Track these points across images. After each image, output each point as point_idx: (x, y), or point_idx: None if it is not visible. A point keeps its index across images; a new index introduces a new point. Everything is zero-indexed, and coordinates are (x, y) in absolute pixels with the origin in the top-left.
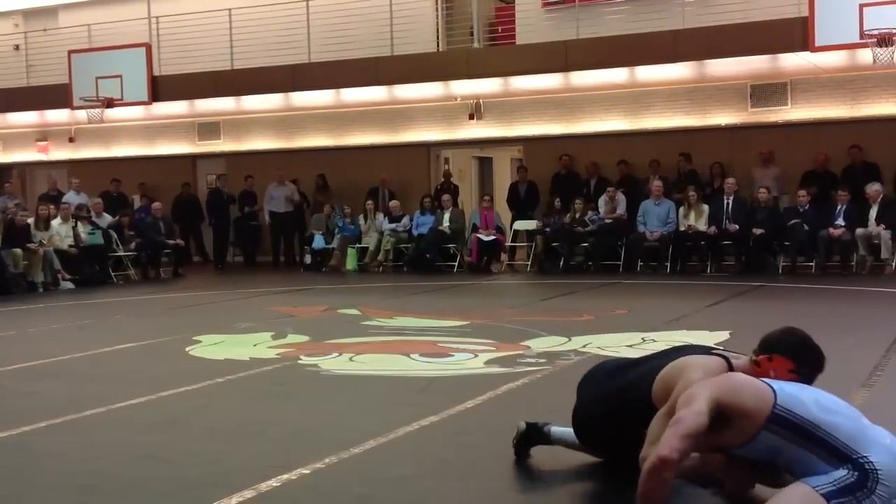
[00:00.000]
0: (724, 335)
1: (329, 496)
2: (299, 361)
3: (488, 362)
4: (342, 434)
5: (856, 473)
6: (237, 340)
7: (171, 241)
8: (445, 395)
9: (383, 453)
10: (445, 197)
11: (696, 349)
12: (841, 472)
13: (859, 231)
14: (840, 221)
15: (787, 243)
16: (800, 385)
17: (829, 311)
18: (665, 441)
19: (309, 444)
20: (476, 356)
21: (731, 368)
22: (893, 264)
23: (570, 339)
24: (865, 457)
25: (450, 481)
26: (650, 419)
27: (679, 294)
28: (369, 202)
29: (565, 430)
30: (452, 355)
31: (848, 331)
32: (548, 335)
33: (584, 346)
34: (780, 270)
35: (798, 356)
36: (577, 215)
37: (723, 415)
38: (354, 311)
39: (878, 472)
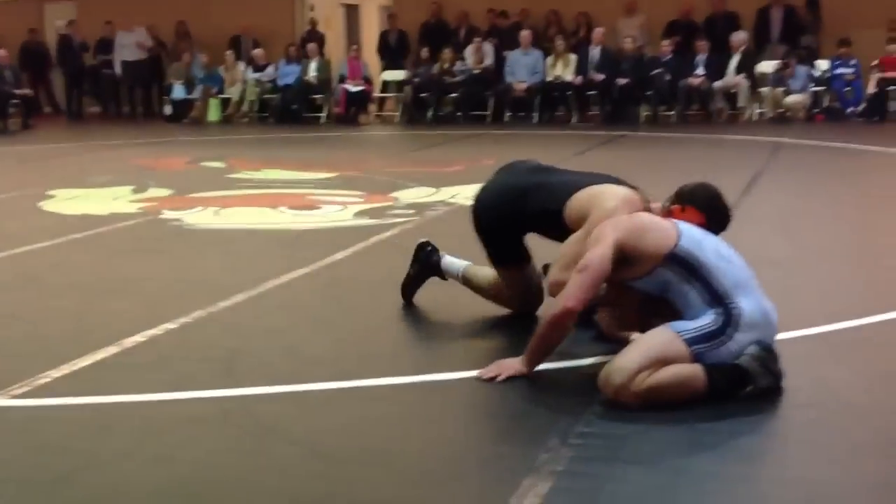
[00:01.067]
0: None
1: (198, 349)
2: (162, 216)
3: (357, 214)
4: (209, 288)
5: (721, 319)
6: (95, 195)
7: (19, 91)
8: (315, 247)
9: (252, 306)
10: (311, 46)
11: (621, 181)
12: (707, 319)
13: (717, 83)
14: (700, 71)
15: (649, 93)
16: (706, 232)
17: (688, 157)
18: (571, 291)
19: (175, 300)
20: (345, 208)
21: (646, 209)
22: (749, 113)
23: (438, 190)
24: (735, 302)
25: (320, 332)
26: (552, 231)
27: (546, 143)
28: (229, 52)
29: (455, 262)
30: (321, 208)
31: (705, 176)
32: (417, 186)
33: (453, 197)
34: (643, 119)
35: (710, 211)
36: (446, 66)
37: (626, 255)
38: (219, 164)
39: (742, 317)
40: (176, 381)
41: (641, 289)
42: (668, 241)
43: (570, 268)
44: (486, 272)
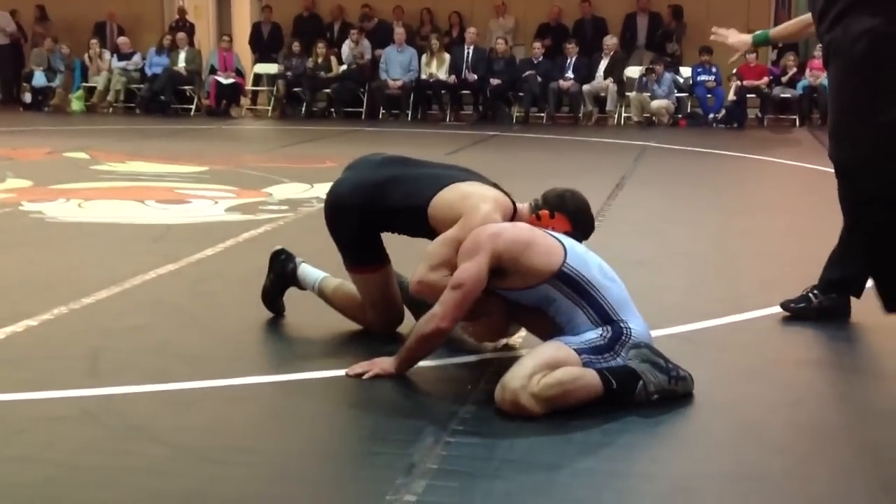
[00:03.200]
0: None
1: (60, 348)
2: (21, 208)
3: (229, 209)
4: (73, 284)
5: (608, 336)
6: None
7: None
8: (183, 243)
9: (118, 303)
10: (181, 35)
11: (484, 179)
12: (592, 335)
13: (586, 87)
14: (570, 74)
15: (521, 94)
16: (585, 248)
17: (557, 159)
18: (445, 310)
19: (36, 296)
20: (216, 203)
21: (514, 211)
22: (616, 117)
23: (312, 186)
24: (625, 321)
25: (189, 329)
26: (412, 228)
27: (419, 142)
28: (94, 41)
29: (312, 272)
30: (191, 202)
31: (574, 178)
32: (290, 182)
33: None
34: (515, 120)
35: (577, 220)
36: (320, 60)
37: (503, 267)
38: (82, 155)
39: (631, 336)
40: (36, 379)
41: (516, 300)
42: (554, 258)
43: (438, 269)
44: (344, 288)
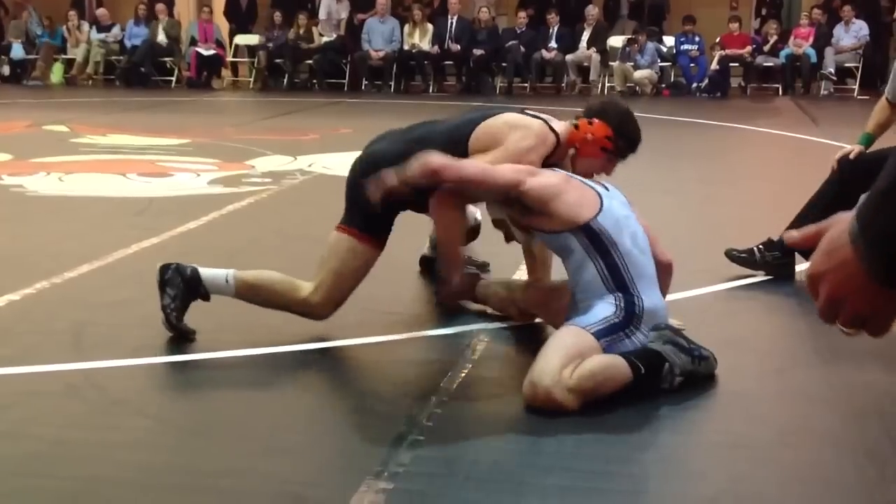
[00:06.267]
0: None
1: (43, 322)
2: (1, 182)
3: (211, 182)
4: (54, 259)
5: (622, 314)
6: None
7: None
8: (166, 216)
9: (100, 277)
10: (160, 6)
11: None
12: (607, 310)
13: (569, 57)
14: (553, 44)
15: (504, 64)
16: (627, 213)
17: None
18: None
19: (17, 270)
20: (198, 176)
21: (555, 134)
22: (599, 86)
23: (295, 159)
24: (640, 296)
25: None
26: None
27: (403, 113)
28: (72, 12)
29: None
30: (173, 175)
31: None
32: (273, 154)
33: (310, 166)
34: (498, 91)
35: (620, 125)
36: (302, 31)
37: (532, 206)
38: (62, 128)
39: (643, 313)
40: (18, 354)
41: (541, 241)
42: (585, 210)
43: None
44: (267, 272)
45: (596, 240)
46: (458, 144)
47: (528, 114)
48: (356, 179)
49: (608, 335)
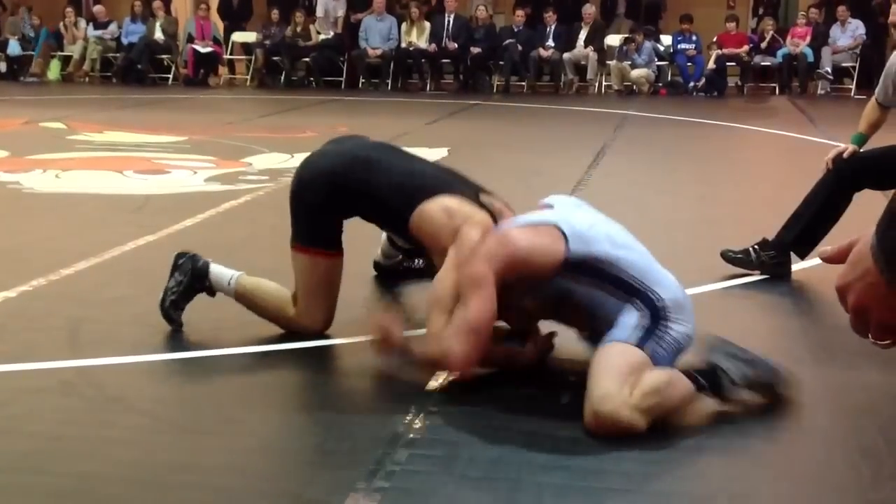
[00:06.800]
0: (442, 152)
1: (38, 319)
2: None
3: (208, 179)
4: (51, 255)
5: (647, 313)
6: None
7: None
8: (163, 213)
9: (97, 274)
10: (157, 3)
11: (469, 185)
12: (632, 318)
13: (567, 55)
14: (550, 43)
15: (501, 63)
16: (590, 220)
17: (538, 128)
18: (465, 351)
19: (13, 267)
20: (195, 173)
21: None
22: (597, 85)
23: (292, 156)
24: (655, 291)
25: None
26: (389, 224)
27: (399, 112)
28: (69, 9)
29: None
30: (170, 172)
31: (555, 147)
32: (269, 152)
33: None
34: (495, 89)
35: None
36: (299, 29)
37: (510, 283)
38: (59, 125)
39: (668, 307)
40: (15, 351)
41: (534, 300)
42: (555, 252)
43: (445, 312)
44: (266, 282)
45: (582, 268)
46: (398, 213)
47: (469, 193)
48: (294, 193)
49: (647, 340)
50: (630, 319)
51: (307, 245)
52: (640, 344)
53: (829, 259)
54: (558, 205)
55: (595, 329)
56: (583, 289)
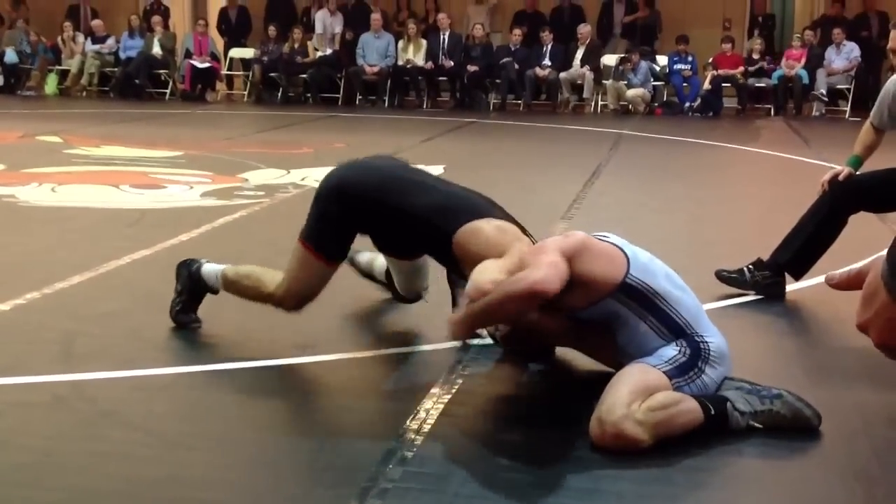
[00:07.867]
0: (438, 170)
1: (33, 332)
2: None
3: (204, 195)
4: (46, 269)
5: (687, 351)
6: None
7: None
8: (158, 228)
9: (91, 288)
10: (156, 18)
11: (500, 209)
12: (672, 352)
13: (563, 74)
14: (546, 62)
15: (498, 81)
16: (651, 255)
17: (534, 146)
18: (547, 272)
19: (8, 280)
20: (191, 188)
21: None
22: (592, 105)
23: (288, 172)
24: (701, 336)
25: (162, 315)
26: (427, 246)
27: (396, 128)
28: (67, 23)
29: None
30: (166, 187)
31: (551, 166)
32: (266, 167)
33: (303, 179)
34: (492, 107)
35: None
36: (296, 45)
37: (570, 281)
38: (56, 139)
39: (711, 351)
40: (7, 364)
41: (583, 318)
42: (616, 268)
43: (503, 273)
44: (247, 266)
45: (637, 295)
46: (440, 232)
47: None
48: (320, 198)
49: (678, 376)
50: (668, 353)
51: (315, 248)
52: (670, 375)
53: (836, 286)
54: (614, 238)
55: (620, 365)
56: (630, 317)
